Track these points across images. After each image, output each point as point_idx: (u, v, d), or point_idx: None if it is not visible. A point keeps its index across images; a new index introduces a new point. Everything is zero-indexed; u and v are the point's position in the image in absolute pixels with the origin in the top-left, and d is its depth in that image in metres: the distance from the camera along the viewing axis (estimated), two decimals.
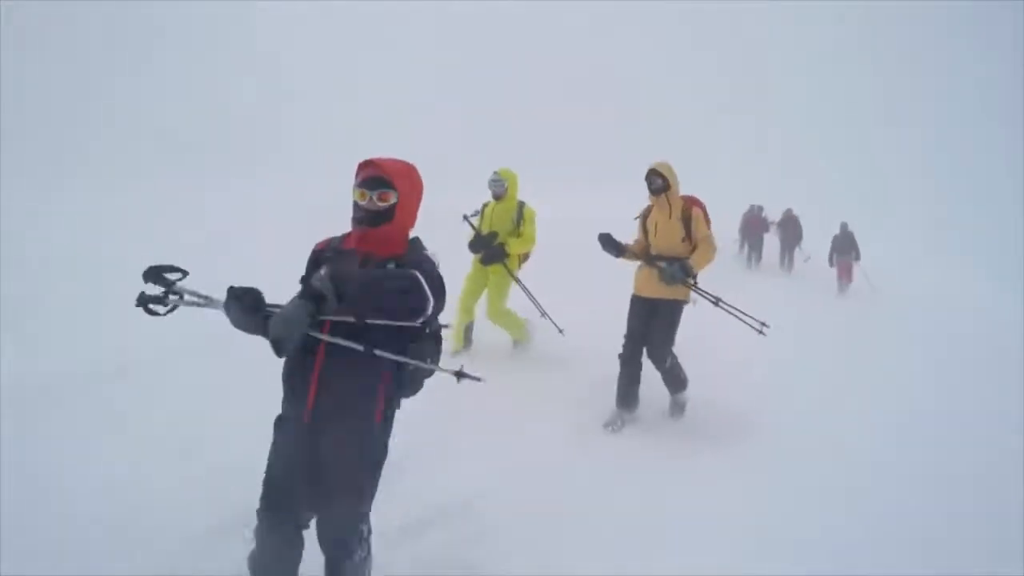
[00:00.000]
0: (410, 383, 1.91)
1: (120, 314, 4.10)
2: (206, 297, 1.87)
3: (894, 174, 25.91)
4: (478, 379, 1.96)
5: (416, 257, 1.88)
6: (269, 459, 1.90)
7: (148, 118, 17.86)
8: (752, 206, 14.49)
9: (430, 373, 1.93)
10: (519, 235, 4.75)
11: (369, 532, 1.98)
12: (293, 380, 1.86)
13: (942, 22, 31.73)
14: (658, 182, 3.93)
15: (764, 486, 3.17)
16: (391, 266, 1.83)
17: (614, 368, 4.03)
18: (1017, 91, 26.97)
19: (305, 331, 1.57)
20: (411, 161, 1.98)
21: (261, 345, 1.57)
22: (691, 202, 4.00)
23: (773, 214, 14.73)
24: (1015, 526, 2.92)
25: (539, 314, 4.97)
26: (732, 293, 4.17)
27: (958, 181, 24.19)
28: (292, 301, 1.57)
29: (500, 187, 4.75)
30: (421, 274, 1.72)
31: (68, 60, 18.83)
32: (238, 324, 1.73)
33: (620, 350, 4.06)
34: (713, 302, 4.00)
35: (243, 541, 1.96)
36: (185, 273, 1.90)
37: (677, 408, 4.15)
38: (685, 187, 4.02)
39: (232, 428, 2.86)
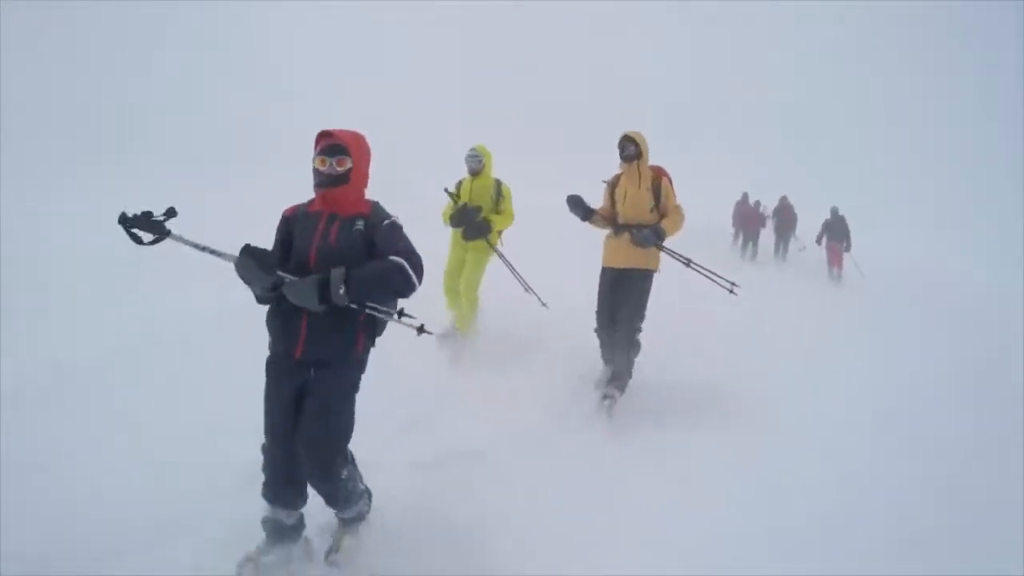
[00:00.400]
0: (379, 326, 2.27)
1: (120, 308, 4.18)
2: (211, 249, 2.04)
3: (894, 173, 25.88)
4: (431, 333, 2.31)
5: (382, 216, 2.23)
6: (265, 397, 2.17)
7: (145, 118, 17.82)
8: (745, 194, 14.21)
9: (394, 302, 2.24)
10: (499, 212, 4.74)
11: (352, 458, 2.27)
12: (282, 324, 2.15)
13: (942, 21, 31.69)
14: (631, 148, 3.89)
15: (761, 479, 3.14)
16: (359, 224, 2.17)
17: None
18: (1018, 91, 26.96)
19: (314, 308, 1.98)
20: (361, 131, 2.28)
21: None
22: (660, 172, 3.96)
23: (768, 202, 14.50)
24: (1015, 526, 2.91)
25: (523, 289, 4.99)
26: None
27: (959, 180, 24.18)
28: (309, 280, 1.97)
29: (477, 162, 4.73)
30: (404, 258, 2.10)
31: (68, 60, 18.79)
32: (247, 278, 2.01)
33: (595, 324, 4.03)
34: (684, 263, 3.98)
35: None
36: (173, 212, 2.00)
37: (608, 392, 3.81)
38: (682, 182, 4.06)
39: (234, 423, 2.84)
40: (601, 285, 4.03)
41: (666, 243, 3.91)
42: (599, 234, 4.17)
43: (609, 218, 4.01)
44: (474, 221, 4.62)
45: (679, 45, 33.86)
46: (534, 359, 4.49)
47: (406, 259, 2.13)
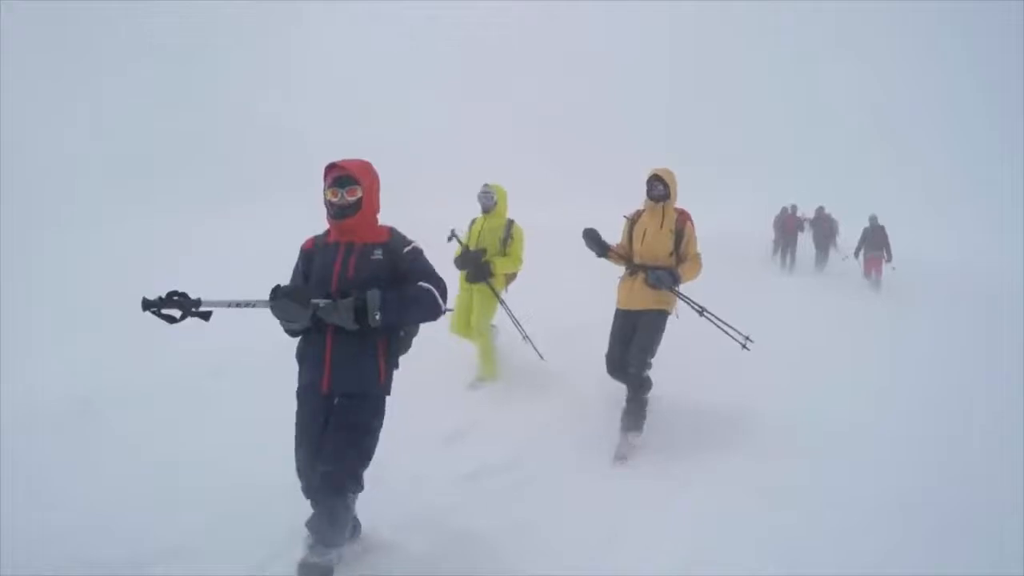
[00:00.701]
0: (402, 344, 2.37)
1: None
2: (244, 302, 2.06)
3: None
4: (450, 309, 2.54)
5: (401, 242, 2.30)
6: (296, 427, 2.27)
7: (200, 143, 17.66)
8: (784, 207, 13.92)
9: (416, 331, 2.42)
10: (506, 254, 4.57)
11: (362, 487, 2.29)
12: (309, 356, 2.25)
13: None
14: (660, 188, 3.74)
15: (789, 493, 3.02)
16: (377, 252, 2.24)
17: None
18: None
19: (350, 327, 2.07)
20: (367, 159, 2.36)
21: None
22: (685, 216, 3.82)
23: (806, 212, 14.10)
24: (1015, 526, 2.87)
25: (520, 337, 4.79)
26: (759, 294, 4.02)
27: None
28: (346, 302, 2.05)
29: (489, 199, 4.59)
30: (432, 284, 2.21)
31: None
32: (287, 316, 2.06)
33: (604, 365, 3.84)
34: (698, 311, 3.86)
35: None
36: (194, 304, 1.98)
37: (625, 449, 3.59)
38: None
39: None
40: (613, 329, 3.85)
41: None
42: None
43: (625, 256, 3.86)
44: (477, 264, 4.51)
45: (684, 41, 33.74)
46: (558, 383, 4.46)
47: (434, 285, 2.22)
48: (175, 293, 1.98)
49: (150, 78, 19.05)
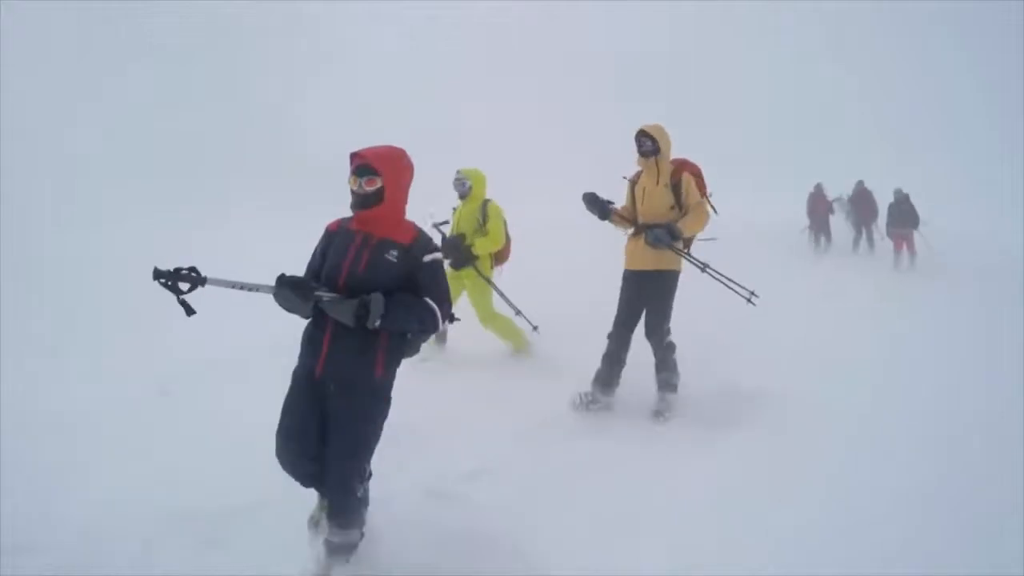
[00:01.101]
0: (406, 346, 2.31)
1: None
2: (248, 285, 2.07)
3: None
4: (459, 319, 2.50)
5: (424, 249, 2.23)
6: (283, 405, 2.24)
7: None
8: (817, 185, 13.17)
9: (426, 337, 2.37)
10: (485, 233, 4.55)
11: (369, 475, 2.32)
12: (309, 341, 2.23)
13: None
14: (647, 144, 3.67)
15: (760, 477, 3.09)
16: (393, 253, 2.18)
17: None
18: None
19: (350, 324, 2.06)
20: (399, 147, 2.28)
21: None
22: (682, 166, 3.73)
23: (838, 189, 13.71)
24: (1015, 526, 2.86)
25: (513, 312, 4.88)
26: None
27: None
28: (348, 303, 2.05)
29: (463, 186, 4.60)
30: (436, 303, 2.19)
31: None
32: (289, 306, 2.08)
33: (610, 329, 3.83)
34: (700, 268, 3.81)
35: None
36: (202, 281, 2.00)
37: (664, 407, 3.71)
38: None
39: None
40: (622, 290, 3.81)
41: (698, 239, 3.83)
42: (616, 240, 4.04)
43: (629, 218, 3.81)
44: (459, 249, 4.49)
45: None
46: (541, 370, 4.49)
47: (439, 305, 2.21)
48: (183, 268, 1.99)
49: (151, 78, 19.08)
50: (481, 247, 4.54)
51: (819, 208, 12.93)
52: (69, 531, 2.53)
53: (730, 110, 29.92)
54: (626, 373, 3.87)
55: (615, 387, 3.79)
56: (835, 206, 13.34)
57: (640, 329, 3.82)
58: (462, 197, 4.65)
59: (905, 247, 11.01)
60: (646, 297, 3.73)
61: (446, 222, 4.78)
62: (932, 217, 11.41)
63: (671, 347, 3.78)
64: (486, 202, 4.60)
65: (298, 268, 2.31)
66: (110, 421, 3.60)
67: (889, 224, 11.31)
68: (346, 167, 2.23)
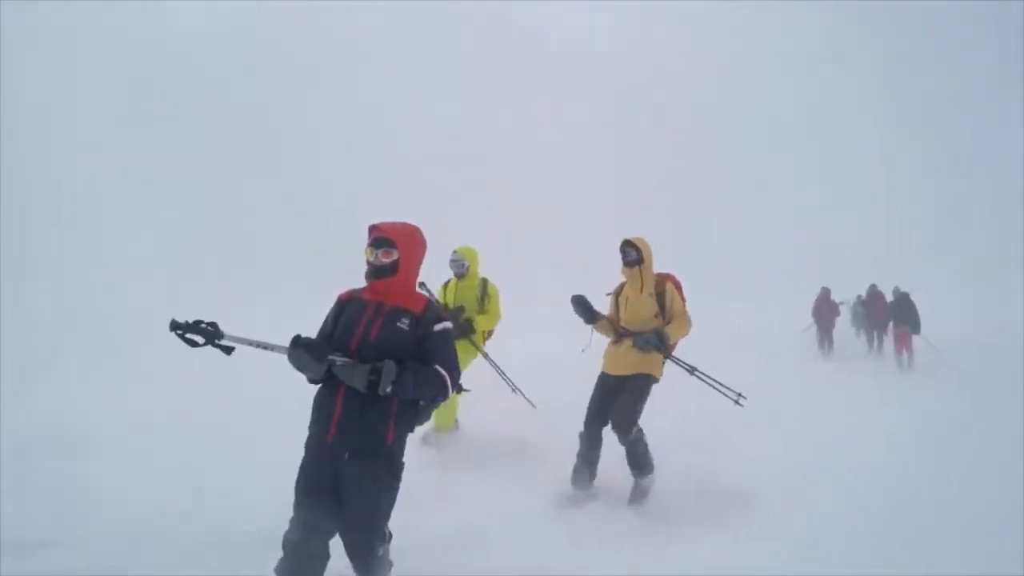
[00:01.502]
0: (417, 414, 2.33)
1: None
2: (264, 344, 2.13)
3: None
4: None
5: (434, 318, 2.30)
6: (298, 474, 2.24)
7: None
8: (823, 288, 13.52)
9: (437, 403, 2.37)
10: (484, 311, 4.73)
11: (390, 536, 2.30)
12: (320, 407, 2.24)
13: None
14: (632, 254, 3.83)
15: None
16: (404, 321, 2.24)
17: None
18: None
19: (361, 389, 2.09)
20: (415, 224, 2.42)
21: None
22: (665, 277, 3.89)
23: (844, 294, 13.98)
24: (1015, 527, 2.93)
25: (510, 389, 4.92)
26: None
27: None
28: (362, 368, 2.09)
29: (461, 267, 4.77)
30: (446, 370, 2.24)
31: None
32: (302, 367, 2.11)
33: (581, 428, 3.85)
34: (688, 371, 3.87)
35: None
36: (218, 336, 2.07)
37: (639, 493, 3.72)
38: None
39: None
40: (595, 389, 3.87)
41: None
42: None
43: (613, 326, 3.92)
44: (457, 322, 4.58)
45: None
46: (529, 455, 4.41)
47: (448, 373, 2.25)
48: (202, 322, 2.06)
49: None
50: (483, 324, 4.74)
51: (823, 311, 13.15)
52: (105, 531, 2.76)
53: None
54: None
55: (591, 483, 3.81)
56: (842, 308, 13.53)
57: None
58: (459, 276, 4.82)
59: (905, 349, 10.91)
60: (621, 394, 3.74)
61: (424, 285, 4.60)
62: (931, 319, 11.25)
63: (639, 433, 3.72)
64: (485, 281, 4.81)
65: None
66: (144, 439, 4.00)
67: (895, 322, 11.28)
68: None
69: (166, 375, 5.69)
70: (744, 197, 29.13)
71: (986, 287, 19.48)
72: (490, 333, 4.95)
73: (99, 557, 2.72)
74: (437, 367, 2.23)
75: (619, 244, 3.89)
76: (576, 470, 3.80)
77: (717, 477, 4.00)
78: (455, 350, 2.37)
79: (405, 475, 2.31)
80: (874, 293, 12.95)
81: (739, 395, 3.92)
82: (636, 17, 36.34)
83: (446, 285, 4.90)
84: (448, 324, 2.34)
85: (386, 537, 2.28)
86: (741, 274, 22.06)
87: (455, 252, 4.80)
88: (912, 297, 11.09)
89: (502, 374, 4.89)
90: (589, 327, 3.93)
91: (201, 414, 4.73)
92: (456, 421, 4.81)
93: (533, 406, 4.86)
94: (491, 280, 4.85)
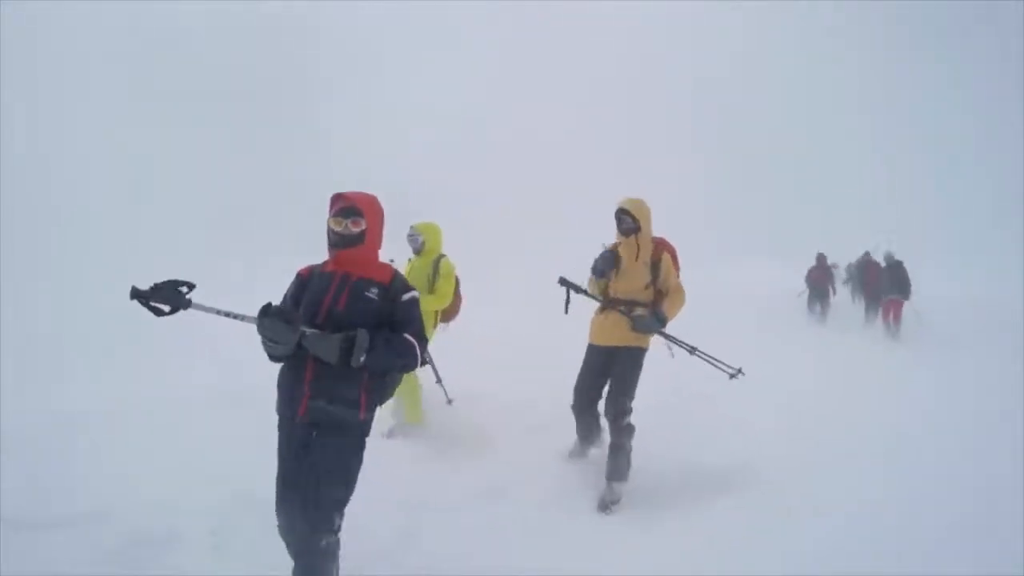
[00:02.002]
0: (386, 388, 2.31)
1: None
2: (233, 313, 2.05)
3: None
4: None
5: (402, 288, 2.28)
6: (278, 457, 2.22)
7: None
8: (818, 255, 13.08)
9: (399, 381, 2.39)
10: (433, 291, 4.41)
11: (340, 523, 2.20)
12: (287, 383, 2.19)
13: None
14: (628, 222, 3.60)
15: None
16: (372, 291, 2.21)
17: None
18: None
19: (332, 362, 2.02)
20: (373, 192, 2.36)
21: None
22: (662, 246, 3.69)
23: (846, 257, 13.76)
24: (1015, 526, 2.93)
25: (434, 379, 4.63)
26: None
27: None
28: (334, 338, 2.02)
29: (416, 242, 4.54)
30: (415, 339, 2.21)
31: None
32: (272, 336, 2.00)
33: (571, 401, 3.77)
34: (689, 351, 3.81)
35: None
36: (191, 285, 1.97)
37: (610, 497, 3.47)
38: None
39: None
40: (585, 363, 3.73)
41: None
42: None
43: (602, 292, 3.71)
44: None
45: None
46: (500, 443, 4.27)
47: (418, 341, 2.23)
48: (171, 283, 1.93)
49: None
50: (426, 304, 4.31)
51: (816, 276, 12.80)
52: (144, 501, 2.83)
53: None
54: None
55: (599, 437, 3.84)
56: (835, 273, 13.24)
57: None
58: (416, 252, 4.58)
59: (892, 317, 10.65)
60: (611, 371, 3.62)
61: (391, 261, 4.52)
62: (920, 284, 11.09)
63: (630, 430, 3.56)
64: (440, 258, 4.51)
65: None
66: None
67: (882, 290, 11.02)
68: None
69: (185, 353, 5.84)
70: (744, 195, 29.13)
71: (982, 263, 19.45)
72: (447, 315, 4.67)
73: (139, 526, 2.80)
74: (407, 336, 2.20)
75: (615, 210, 3.67)
76: (581, 433, 3.85)
77: (701, 459, 3.92)
78: (422, 319, 2.34)
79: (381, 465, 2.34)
80: (867, 261, 12.69)
81: (738, 370, 3.85)
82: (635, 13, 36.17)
83: (408, 263, 4.62)
84: (415, 293, 2.32)
85: (335, 526, 2.18)
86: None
87: (412, 227, 4.56)
88: (904, 265, 10.80)
89: (432, 365, 4.62)
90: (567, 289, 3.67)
91: (226, 389, 4.79)
92: (422, 415, 4.53)
93: (449, 401, 4.62)
94: (448, 257, 4.55)
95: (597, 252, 3.73)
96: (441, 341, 4.69)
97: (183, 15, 23.70)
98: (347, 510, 2.18)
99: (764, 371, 4.69)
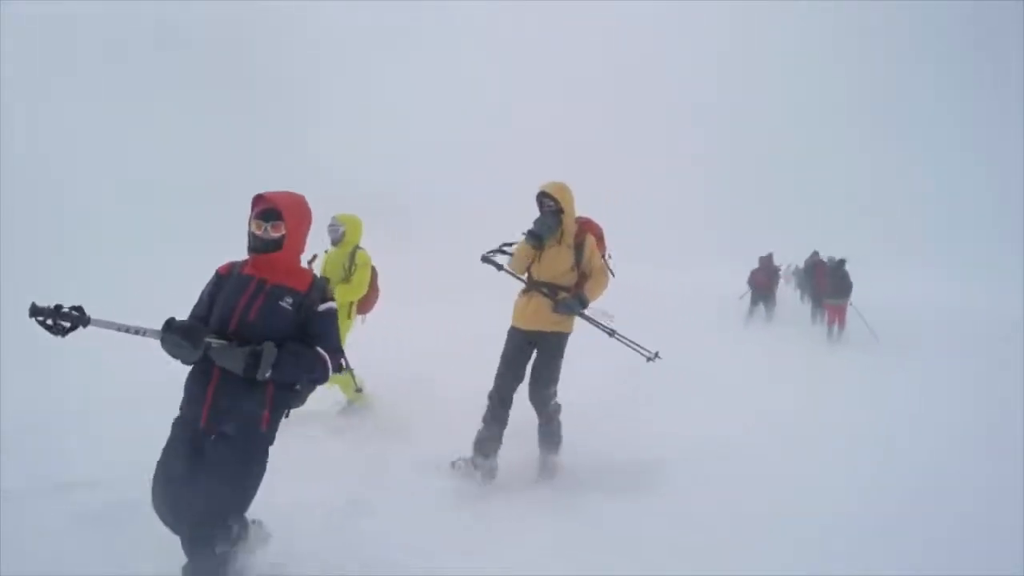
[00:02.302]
0: (294, 397, 2.24)
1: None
2: (134, 328, 1.95)
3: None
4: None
5: (319, 297, 2.20)
6: (166, 452, 2.15)
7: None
8: (761, 258, 12.93)
9: (313, 388, 2.28)
10: (349, 281, 4.45)
11: (238, 533, 2.16)
12: (193, 388, 2.15)
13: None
14: (549, 204, 3.53)
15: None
16: (287, 300, 2.14)
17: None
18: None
19: (237, 371, 1.99)
20: (299, 193, 2.28)
21: None
22: (586, 227, 3.65)
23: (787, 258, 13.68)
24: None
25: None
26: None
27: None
28: (239, 352, 1.97)
29: (336, 232, 4.53)
30: (328, 352, 2.16)
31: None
32: (176, 353, 1.98)
33: (490, 387, 3.63)
34: (608, 333, 3.78)
35: None
36: (84, 322, 1.87)
37: (547, 472, 3.62)
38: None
39: None
40: (507, 346, 3.63)
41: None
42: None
43: (524, 271, 3.64)
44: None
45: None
46: (433, 426, 4.30)
47: (331, 355, 2.18)
48: (62, 307, 1.86)
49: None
50: (342, 295, 4.39)
51: (759, 277, 12.70)
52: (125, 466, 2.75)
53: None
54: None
55: (496, 452, 3.58)
56: (781, 274, 13.05)
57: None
58: (335, 243, 4.57)
59: (836, 322, 10.55)
60: (538, 357, 3.59)
61: (314, 257, 4.38)
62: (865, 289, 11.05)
63: (557, 408, 3.64)
64: (356, 249, 4.51)
65: None
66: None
67: (826, 294, 10.88)
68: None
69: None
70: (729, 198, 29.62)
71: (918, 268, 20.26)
72: (363, 307, 4.71)
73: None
74: (319, 349, 2.15)
75: (536, 193, 3.60)
76: (479, 437, 3.58)
77: (626, 449, 3.99)
78: (338, 330, 2.30)
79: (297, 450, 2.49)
80: (815, 262, 12.63)
81: (655, 354, 3.90)
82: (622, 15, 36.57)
83: (325, 253, 4.62)
84: (333, 304, 2.26)
85: (231, 534, 2.15)
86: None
87: (334, 218, 4.56)
88: (846, 267, 10.72)
89: (347, 367, 4.55)
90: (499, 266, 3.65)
91: None
92: (362, 394, 4.65)
93: (358, 390, 4.64)
94: (364, 250, 4.56)
95: (519, 239, 3.64)
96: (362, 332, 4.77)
97: (181, 15, 23.90)
98: (274, 509, 2.22)
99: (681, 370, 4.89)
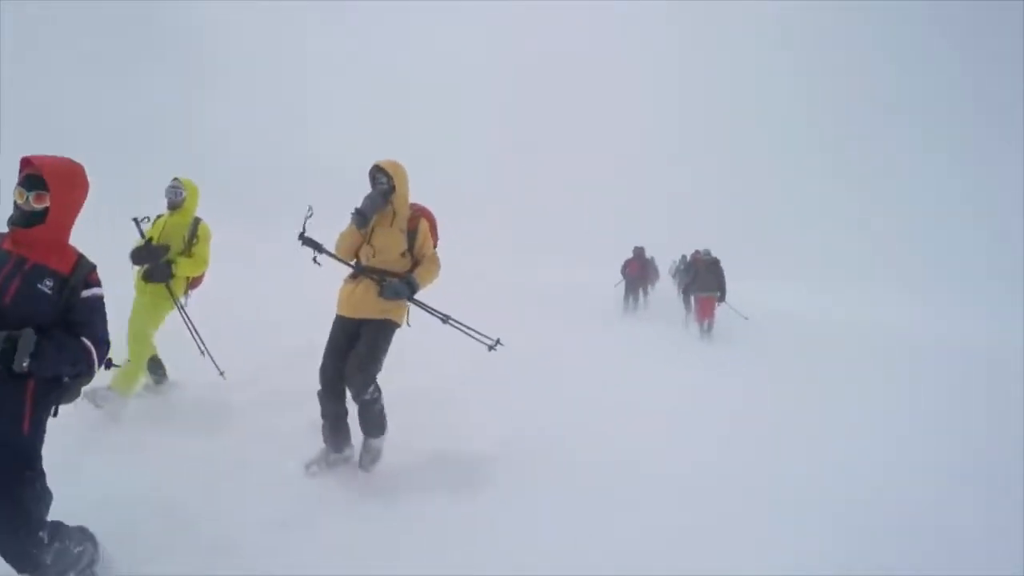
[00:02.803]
0: (61, 393, 1.99)
1: None
2: None
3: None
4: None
5: (84, 281, 1.98)
6: None
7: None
8: (636, 248, 13.45)
9: (88, 380, 2.04)
10: (191, 255, 4.17)
11: (51, 538, 1.96)
12: None
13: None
14: (382, 180, 3.32)
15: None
16: (47, 283, 1.90)
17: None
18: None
19: None
20: (78, 161, 2.01)
21: None
22: (420, 212, 3.48)
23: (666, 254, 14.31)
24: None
25: (200, 351, 4.37)
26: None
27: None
28: None
29: (177, 194, 4.19)
30: (93, 343, 1.95)
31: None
32: None
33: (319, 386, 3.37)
34: (442, 319, 3.58)
35: None
36: None
37: (368, 456, 3.44)
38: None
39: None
40: (331, 338, 3.38)
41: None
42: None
43: (351, 256, 3.42)
44: (157, 261, 4.02)
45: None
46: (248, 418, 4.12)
47: (97, 347, 1.98)
48: None
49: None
50: (184, 268, 4.15)
51: (633, 268, 13.17)
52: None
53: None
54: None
55: (348, 442, 3.48)
56: (669, 270, 13.83)
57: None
58: (172, 207, 4.22)
59: (707, 317, 10.54)
60: (359, 343, 3.31)
61: (147, 218, 4.18)
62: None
63: (376, 395, 3.36)
64: (197, 220, 4.24)
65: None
66: None
67: (696, 288, 10.81)
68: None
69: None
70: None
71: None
72: (194, 283, 4.40)
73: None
74: (83, 339, 1.94)
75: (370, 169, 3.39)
76: (325, 433, 3.43)
77: (456, 438, 3.99)
78: (105, 319, 2.07)
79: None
80: (696, 258, 12.51)
81: (496, 341, 3.67)
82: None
83: (158, 217, 4.26)
84: (98, 290, 2.04)
85: (45, 541, 1.94)
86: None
87: (175, 179, 4.24)
88: (721, 264, 10.76)
89: (194, 332, 4.35)
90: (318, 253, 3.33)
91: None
92: (135, 386, 4.10)
93: (221, 373, 4.39)
94: (206, 222, 4.28)
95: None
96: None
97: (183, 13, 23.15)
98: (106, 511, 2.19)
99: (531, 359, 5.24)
